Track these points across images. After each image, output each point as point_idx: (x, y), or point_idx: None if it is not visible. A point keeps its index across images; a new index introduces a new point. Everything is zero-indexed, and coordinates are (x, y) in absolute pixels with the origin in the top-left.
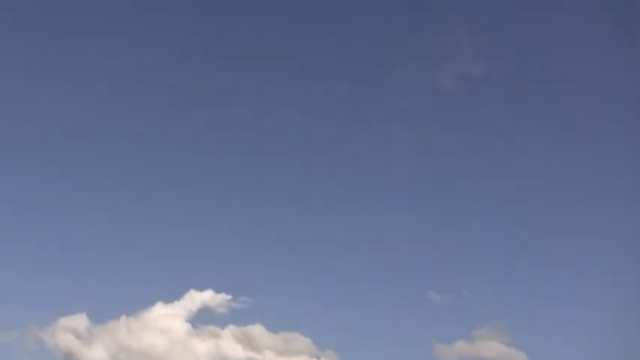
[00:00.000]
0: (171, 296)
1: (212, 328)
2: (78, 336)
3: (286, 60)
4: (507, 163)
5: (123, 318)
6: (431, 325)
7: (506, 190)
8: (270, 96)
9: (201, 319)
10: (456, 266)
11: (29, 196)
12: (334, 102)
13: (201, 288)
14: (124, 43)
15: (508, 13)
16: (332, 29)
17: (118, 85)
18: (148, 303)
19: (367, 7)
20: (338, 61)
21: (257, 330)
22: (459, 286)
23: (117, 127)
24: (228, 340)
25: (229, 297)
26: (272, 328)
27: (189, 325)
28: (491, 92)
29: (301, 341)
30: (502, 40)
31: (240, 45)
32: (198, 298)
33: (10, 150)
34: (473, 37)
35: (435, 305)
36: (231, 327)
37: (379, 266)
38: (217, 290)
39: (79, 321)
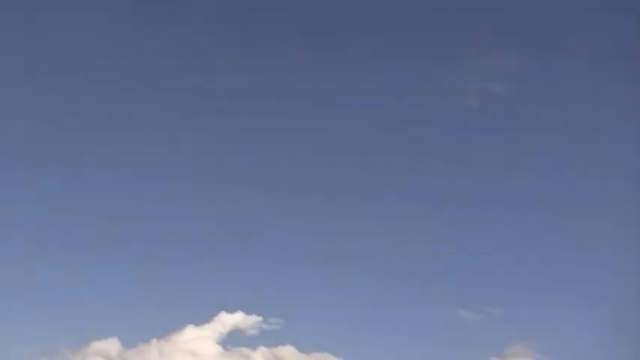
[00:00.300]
0: (202, 319)
1: (243, 349)
2: None
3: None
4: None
5: (154, 341)
6: (462, 344)
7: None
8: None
9: (232, 340)
10: (489, 283)
11: (60, 220)
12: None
13: (231, 310)
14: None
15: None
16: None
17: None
18: (179, 326)
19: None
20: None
21: (288, 351)
22: (491, 303)
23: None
24: None
25: (260, 318)
26: (303, 348)
27: (220, 347)
28: (516, 111)
29: None
30: (528, 58)
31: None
32: (228, 320)
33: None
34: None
35: (466, 324)
36: (262, 348)
37: (410, 285)
38: (248, 312)
39: (111, 345)
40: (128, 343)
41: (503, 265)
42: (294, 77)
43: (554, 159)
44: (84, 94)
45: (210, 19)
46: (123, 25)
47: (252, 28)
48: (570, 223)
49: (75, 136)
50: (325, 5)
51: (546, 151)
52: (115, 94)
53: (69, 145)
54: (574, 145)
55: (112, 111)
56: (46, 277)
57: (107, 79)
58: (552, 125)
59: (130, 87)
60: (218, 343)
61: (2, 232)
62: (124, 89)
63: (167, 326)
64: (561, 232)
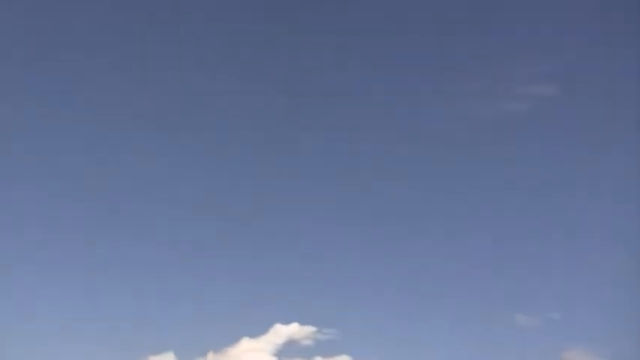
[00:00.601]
0: (257, 331)
1: None
2: None
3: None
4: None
5: (210, 355)
6: (519, 349)
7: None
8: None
9: (288, 352)
10: (547, 287)
11: (117, 239)
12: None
13: (286, 321)
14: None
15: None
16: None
17: None
18: (235, 339)
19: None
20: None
21: None
22: (549, 307)
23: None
24: None
25: (315, 329)
26: (358, 358)
27: (275, 359)
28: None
29: None
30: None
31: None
32: (283, 332)
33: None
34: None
35: (524, 328)
36: (318, 359)
37: (466, 291)
38: (302, 323)
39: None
40: (184, 357)
41: (561, 269)
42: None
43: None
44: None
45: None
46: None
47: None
48: (633, 225)
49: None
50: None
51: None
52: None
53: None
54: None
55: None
56: (102, 293)
57: None
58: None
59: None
60: (274, 355)
61: (60, 253)
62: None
63: (222, 339)
64: (623, 234)
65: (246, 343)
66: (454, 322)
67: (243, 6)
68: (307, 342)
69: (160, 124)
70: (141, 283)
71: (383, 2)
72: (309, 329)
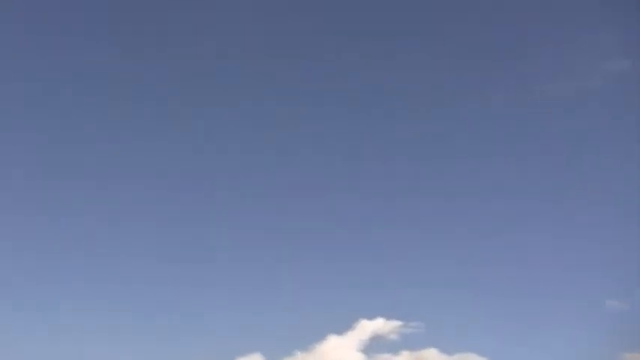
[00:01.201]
0: (343, 327)
1: (385, 355)
2: None
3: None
4: None
5: (297, 353)
6: (609, 334)
7: None
8: None
9: (374, 347)
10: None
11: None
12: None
13: (371, 316)
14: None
15: None
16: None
17: None
18: (320, 336)
19: None
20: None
21: (431, 354)
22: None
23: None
24: None
25: (400, 323)
26: (446, 350)
27: (362, 355)
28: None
29: None
30: None
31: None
32: (369, 327)
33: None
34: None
35: (614, 313)
36: (405, 353)
37: (554, 277)
38: (388, 317)
39: None
40: (271, 357)
41: None
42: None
43: None
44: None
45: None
46: None
47: None
48: None
49: None
50: None
51: None
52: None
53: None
54: None
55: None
56: (186, 295)
57: None
58: None
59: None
60: (360, 351)
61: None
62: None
63: (309, 337)
64: None
65: (332, 341)
66: (541, 309)
67: None
68: (393, 336)
69: None
70: (226, 285)
71: None
72: (395, 323)
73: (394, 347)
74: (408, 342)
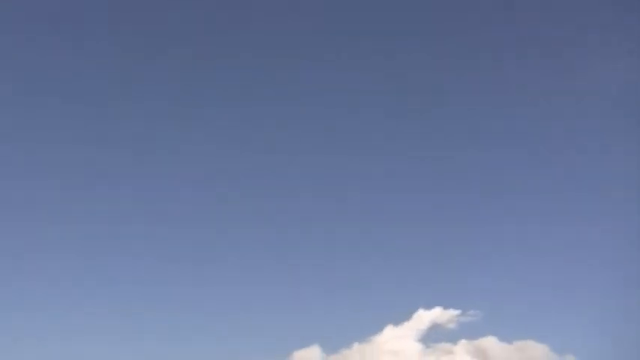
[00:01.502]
0: (400, 318)
1: (444, 345)
2: None
3: None
4: None
5: (355, 345)
6: None
7: None
8: None
9: (432, 337)
10: None
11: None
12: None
13: (428, 306)
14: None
15: None
16: None
17: None
18: (378, 327)
19: None
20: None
21: (489, 342)
22: None
23: None
24: (461, 355)
25: (458, 312)
26: (505, 338)
27: (420, 345)
28: None
29: (537, 348)
30: None
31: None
32: (426, 317)
33: None
34: None
35: None
36: (463, 342)
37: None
38: (445, 307)
39: (313, 353)
40: (329, 349)
41: None
42: None
43: None
44: None
45: None
46: None
47: None
48: None
49: None
50: None
51: None
52: None
53: None
54: None
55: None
56: (248, 292)
57: None
58: None
59: None
60: (418, 341)
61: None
62: None
63: (366, 329)
64: None
65: (390, 331)
66: (605, 297)
67: None
68: (451, 325)
69: None
70: (286, 279)
71: None
72: (453, 312)
73: (452, 336)
74: (466, 331)
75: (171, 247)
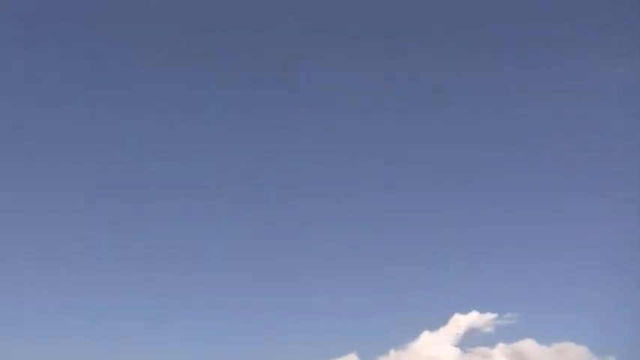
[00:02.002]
0: (437, 323)
1: (481, 349)
2: None
3: None
4: None
5: (392, 352)
6: None
7: None
8: None
9: (469, 341)
10: None
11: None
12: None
13: (465, 310)
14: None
15: None
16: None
17: None
18: (414, 333)
19: None
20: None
21: (527, 345)
22: None
23: None
24: (499, 359)
25: (495, 315)
26: (543, 340)
27: (458, 350)
28: None
29: (576, 350)
30: None
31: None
32: (463, 322)
33: None
34: None
35: None
36: (501, 345)
37: None
38: (482, 310)
39: None
40: (366, 356)
41: None
42: None
43: None
44: None
45: None
46: None
47: None
48: None
49: None
50: None
51: None
52: None
53: None
54: None
55: None
56: (284, 300)
57: None
58: None
59: None
60: (455, 346)
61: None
62: None
63: (403, 335)
64: None
65: (426, 337)
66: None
67: None
68: (488, 329)
69: None
70: (322, 286)
71: None
72: (489, 316)
73: (490, 340)
74: (503, 334)
75: (196, 251)
